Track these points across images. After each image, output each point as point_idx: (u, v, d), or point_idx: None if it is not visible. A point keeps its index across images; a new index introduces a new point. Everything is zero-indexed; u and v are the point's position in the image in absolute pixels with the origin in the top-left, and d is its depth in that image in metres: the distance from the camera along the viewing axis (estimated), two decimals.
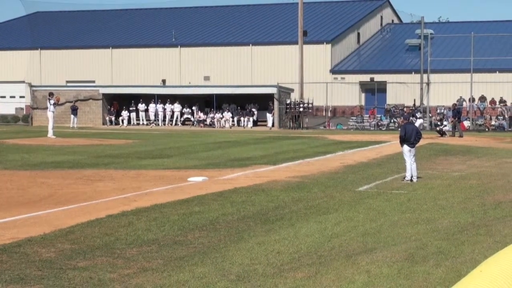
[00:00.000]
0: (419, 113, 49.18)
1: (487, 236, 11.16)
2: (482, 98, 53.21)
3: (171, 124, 55.44)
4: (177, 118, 55.85)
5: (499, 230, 11.67)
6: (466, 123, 49.30)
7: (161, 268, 9.18)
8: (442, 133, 41.22)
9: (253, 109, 54.84)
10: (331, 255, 9.96)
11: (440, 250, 10.09)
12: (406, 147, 19.13)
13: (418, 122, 40.25)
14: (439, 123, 44.36)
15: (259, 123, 54.71)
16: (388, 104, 55.45)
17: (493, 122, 50.55)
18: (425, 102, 52.41)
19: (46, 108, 40.32)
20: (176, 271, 8.98)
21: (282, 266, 9.27)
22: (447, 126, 43.76)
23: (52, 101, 38.08)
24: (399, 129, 21.66)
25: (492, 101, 53.06)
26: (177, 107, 55.87)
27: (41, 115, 55.65)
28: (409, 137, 19.10)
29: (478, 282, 2.95)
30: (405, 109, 51.12)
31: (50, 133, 37.09)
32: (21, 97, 66.89)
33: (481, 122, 50.64)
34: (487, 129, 49.20)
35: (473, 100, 51.72)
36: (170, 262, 9.50)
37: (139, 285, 8.34)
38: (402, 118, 28.39)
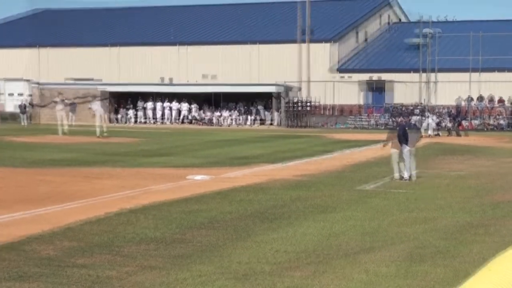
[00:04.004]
0: (427, 112, 48.74)
1: (486, 236, 11.18)
2: (489, 98, 52.72)
3: (172, 123, 55.42)
4: (184, 117, 55.80)
5: (498, 230, 11.69)
6: (465, 123, 49.20)
7: (160, 266, 9.19)
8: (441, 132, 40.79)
9: (258, 107, 54.87)
10: (330, 254, 9.96)
11: (439, 250, 10.11)
12: (405, 147, 19.14)
13: (414, 119, 40.07)
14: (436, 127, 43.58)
15: (262, 122, 54.70)
16: (387, 103, 55.35)
17: (491, 122, 50.49)
18: (432, 101, 52.22)
19: (48, 105, 40.14)
20: (174, 269, 8.99)
21: (280, 265, 9.27)
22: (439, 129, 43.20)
23: (57, 100, 37.62)
24: (397, 128, 21.64)
25: (500, 100, 52.41)
26: (177, 105, 55.81)
27: (43, 112, 55.77)
28: (400, 136, 19.18)
29: (488, 281, 2.94)
30: (402, 109, 50.87)
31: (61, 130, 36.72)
32: (19, 94, 66.75)
33: (481, 122, 50.55)
34: (485, 129, 49.16)
35: (481, 99, 51.36)
36: (169, 260, 9.50)
37: (138, 283, 8.35)
38: (401, 117, 28.41)
